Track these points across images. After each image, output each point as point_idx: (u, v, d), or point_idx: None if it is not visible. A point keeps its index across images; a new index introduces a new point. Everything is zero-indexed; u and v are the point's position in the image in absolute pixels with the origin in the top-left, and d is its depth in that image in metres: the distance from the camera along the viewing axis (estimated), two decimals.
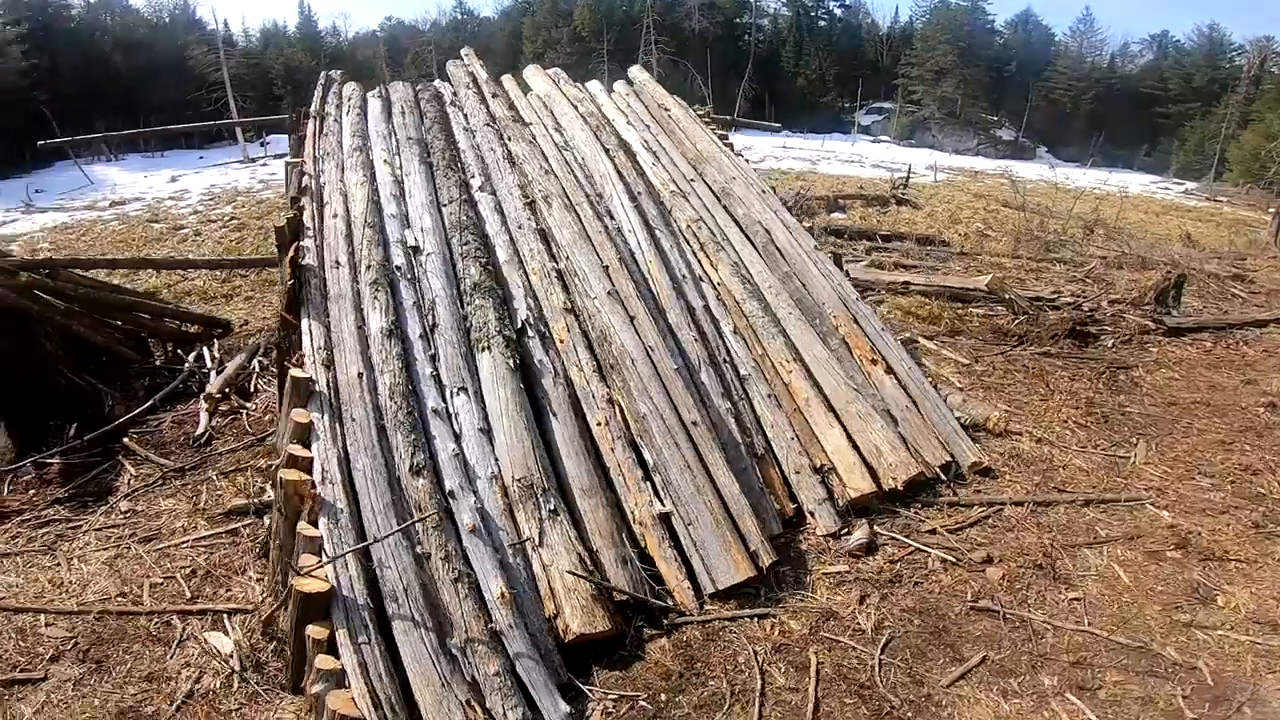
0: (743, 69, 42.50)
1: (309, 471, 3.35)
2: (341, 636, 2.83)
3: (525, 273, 4.78)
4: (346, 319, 4.04)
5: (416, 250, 4.61)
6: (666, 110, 7.60)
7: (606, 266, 4.86)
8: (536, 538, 3.36)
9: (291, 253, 4.35)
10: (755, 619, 3.48)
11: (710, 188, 6.57)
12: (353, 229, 4.63)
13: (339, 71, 6.80)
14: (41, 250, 12.06)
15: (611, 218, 5.57)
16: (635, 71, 8.24)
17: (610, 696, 3.03)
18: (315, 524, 3.21)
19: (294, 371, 3.71)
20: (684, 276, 5.28)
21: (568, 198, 5.42)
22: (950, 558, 3.98)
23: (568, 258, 4.85)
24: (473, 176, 5.59)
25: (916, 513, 4.37)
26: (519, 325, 4.35)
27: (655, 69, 36.83)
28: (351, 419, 3.56)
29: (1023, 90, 42.03)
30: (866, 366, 5.13)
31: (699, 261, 5.52)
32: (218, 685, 3.09)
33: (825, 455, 4.45)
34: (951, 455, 4.75)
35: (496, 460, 3.60)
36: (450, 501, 3.34)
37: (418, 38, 47.72)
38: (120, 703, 3.01)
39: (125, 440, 5.14)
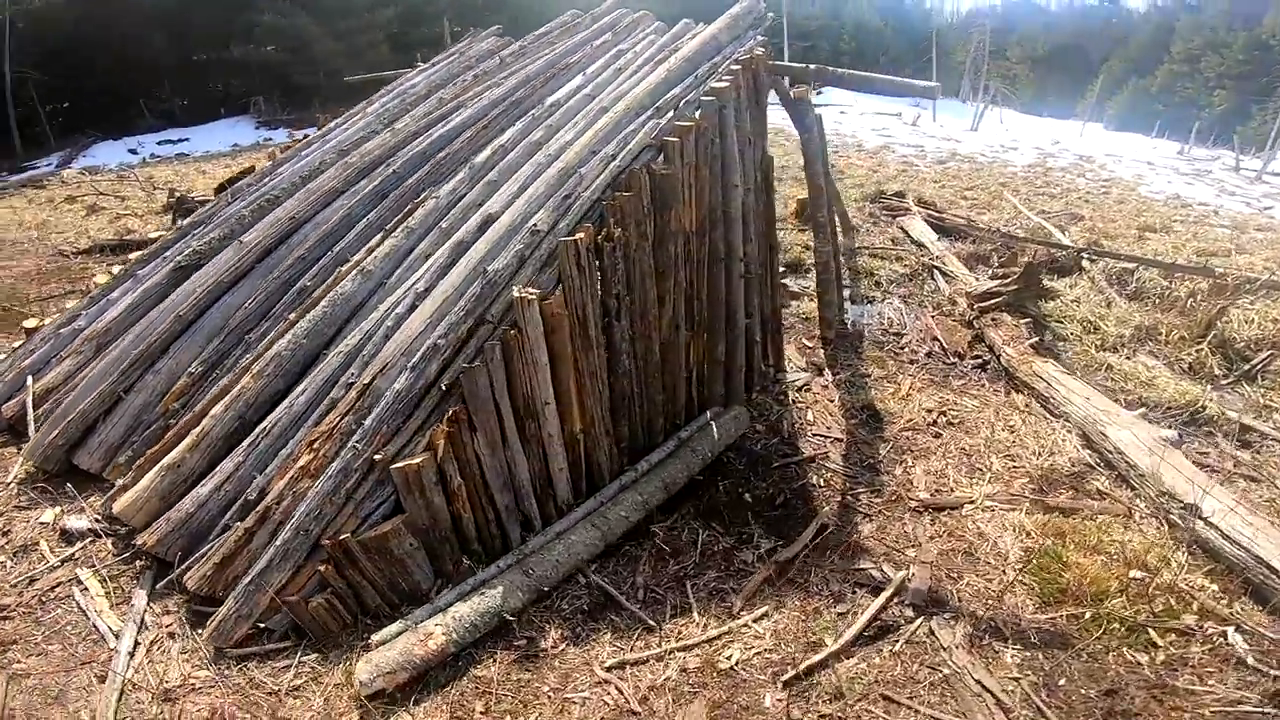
0: None
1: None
2: None
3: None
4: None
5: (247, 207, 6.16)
6: (675, 51, 5.43)
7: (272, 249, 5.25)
8: None
9: (217, 188, 6.73)
10: None
11: (579, 145, 5.06)
12: (264, 181, 6.51)
13: (497, 27, 7.56)
14: None
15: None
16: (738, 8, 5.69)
17: None
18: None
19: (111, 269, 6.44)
20: (379, 271, 4.91)
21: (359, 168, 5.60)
22: None
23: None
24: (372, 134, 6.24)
25: None
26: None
27: None
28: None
29: None
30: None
31: (420, 260, 4.87)
32: None
33: None
34: None
35: None
36: None
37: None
38: None
39: None
